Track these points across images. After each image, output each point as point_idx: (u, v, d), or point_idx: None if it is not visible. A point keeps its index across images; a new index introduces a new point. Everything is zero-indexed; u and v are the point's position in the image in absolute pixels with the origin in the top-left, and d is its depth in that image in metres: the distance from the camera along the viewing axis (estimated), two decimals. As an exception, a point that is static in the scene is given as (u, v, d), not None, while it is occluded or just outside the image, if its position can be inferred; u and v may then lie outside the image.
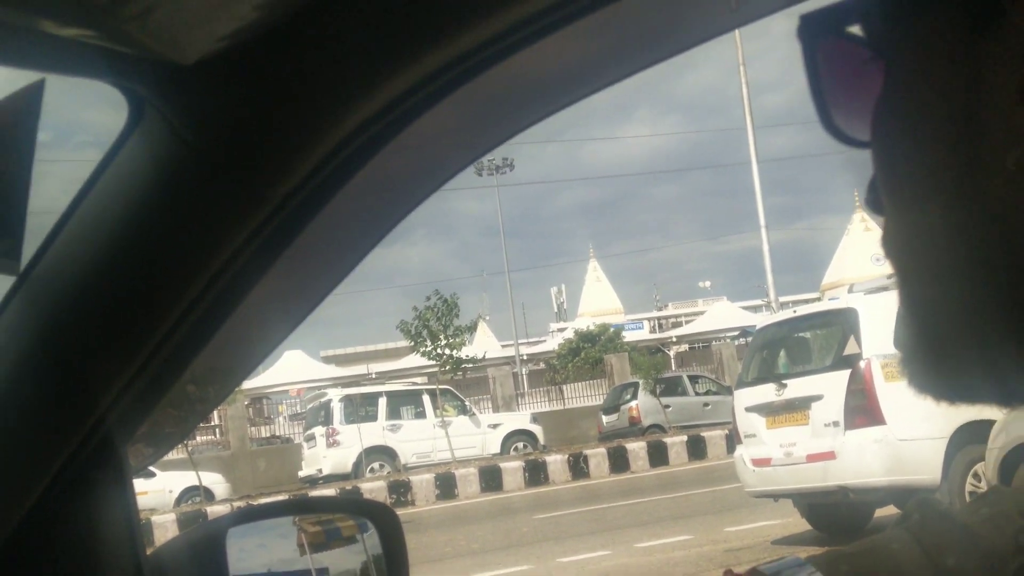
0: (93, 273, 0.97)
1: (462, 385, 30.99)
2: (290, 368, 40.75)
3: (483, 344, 39.37)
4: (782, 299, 28.18)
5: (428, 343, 27.55)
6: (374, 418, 25.26)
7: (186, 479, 20.60)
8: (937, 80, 0.55)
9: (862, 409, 9.59)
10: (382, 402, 25.80)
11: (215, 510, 18.25)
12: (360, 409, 25.32)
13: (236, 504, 18.50)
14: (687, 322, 55.48)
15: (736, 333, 40.58)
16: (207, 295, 0.97)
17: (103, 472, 1.06)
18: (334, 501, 1.22)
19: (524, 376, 40.51)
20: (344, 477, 23.18)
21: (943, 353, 0.58)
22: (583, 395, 34.69)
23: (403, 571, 1.29)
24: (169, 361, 1.01)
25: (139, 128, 0.92)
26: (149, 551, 1.13)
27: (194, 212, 0.94)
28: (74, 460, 1.02)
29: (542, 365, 43.59)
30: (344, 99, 0.88)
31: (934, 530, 0.97)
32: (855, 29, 0.63)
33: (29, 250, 0.95)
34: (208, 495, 21.29)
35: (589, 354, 39.49)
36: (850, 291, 11.55)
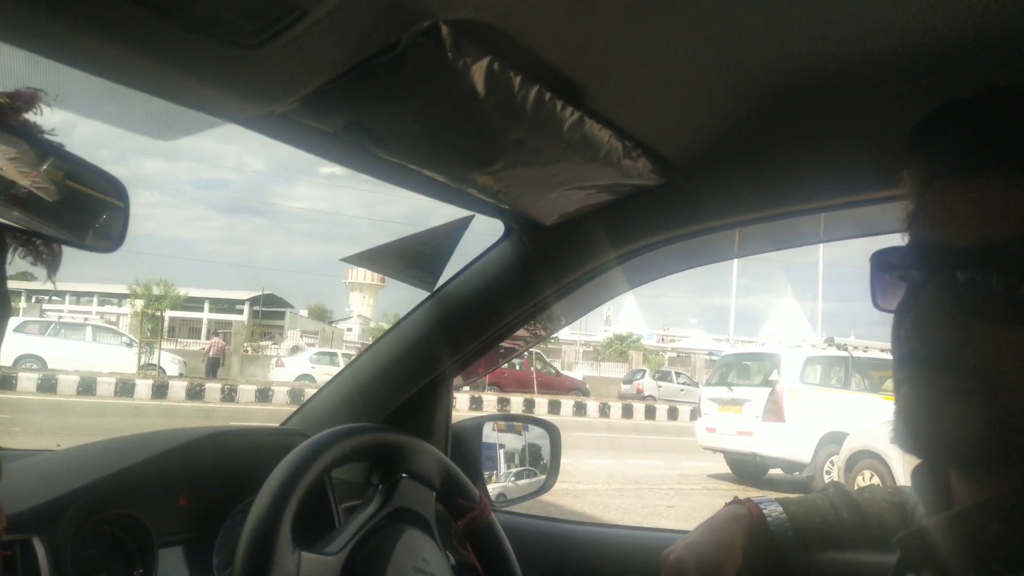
0: (463, 301, 1.15)
1: (545, 351, 30.88)
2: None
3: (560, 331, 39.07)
4: (736, 337, 27.44)
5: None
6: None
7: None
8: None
9: (773, 411, 9.44)
10: (499, 354, 25.76)
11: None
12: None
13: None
14: (678, 340, 54.33)
15: (706, 352, 39.52)
16: (510, 324, 1.15)
17: (441, 387, 1.26)
18: (529, 417, 1.37)
19: (580, 352, 39.99)
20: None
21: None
22: (611, 371, 34.08)
23: (558, 460, 1.48)
24: (480, 349, 1.20)
25: (507, 240, 1.09)
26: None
27: (522, 282, 1.10)
28: (431, 381, 1.23)
29: (591, 348, 43.08)
30: (589, 250, 1.07)
31: (839, 499, 1.11)
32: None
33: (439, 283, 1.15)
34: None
35: (618, 348, 39.02)
36: (778, 343, 11.34)
